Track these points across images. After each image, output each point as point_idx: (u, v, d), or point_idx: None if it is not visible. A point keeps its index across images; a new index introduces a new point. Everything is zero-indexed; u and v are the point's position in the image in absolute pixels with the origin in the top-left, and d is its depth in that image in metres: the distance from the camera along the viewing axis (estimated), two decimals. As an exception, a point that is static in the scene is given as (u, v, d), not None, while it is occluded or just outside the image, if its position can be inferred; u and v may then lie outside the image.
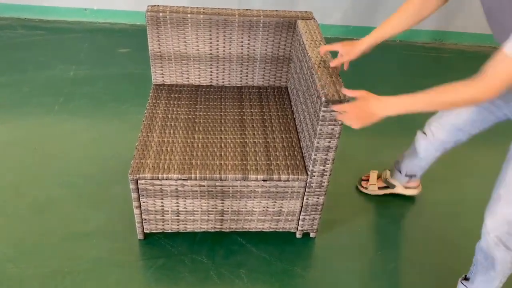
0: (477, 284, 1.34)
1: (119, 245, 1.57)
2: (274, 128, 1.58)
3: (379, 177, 1.84)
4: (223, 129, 1.57)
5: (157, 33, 1.74)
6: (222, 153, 1.46)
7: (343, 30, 3.04)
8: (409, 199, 1.84)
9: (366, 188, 1.83)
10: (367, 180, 1.84)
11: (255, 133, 1.55)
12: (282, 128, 1.58)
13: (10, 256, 1.50)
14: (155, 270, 1.49)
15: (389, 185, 1.80)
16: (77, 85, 2.39)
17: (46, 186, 1.78)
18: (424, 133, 1.58)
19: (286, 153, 1.47)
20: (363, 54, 1.36)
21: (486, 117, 1.35)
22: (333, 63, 1.38)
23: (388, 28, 1.32)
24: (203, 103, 1.72)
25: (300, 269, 1.53)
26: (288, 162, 1.44)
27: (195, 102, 1.72)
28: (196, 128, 1.57)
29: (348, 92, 1.24)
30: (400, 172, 1.74)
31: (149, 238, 1.60)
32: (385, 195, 1.83)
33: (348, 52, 1.36)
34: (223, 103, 1.72)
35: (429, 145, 1.57)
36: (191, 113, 1.65)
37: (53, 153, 1.94)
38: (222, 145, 1.49)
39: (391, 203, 1.82)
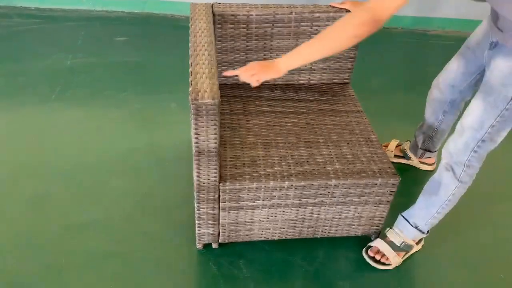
0: (415, 211, 1.46)
1: (118, 237, 1.55)
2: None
3: (398, 146, 1.91)
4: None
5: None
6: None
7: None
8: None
9: None
10: (386, 147, 1.91)
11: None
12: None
13: (6, 250, 1.48)
14: (152, 261, 1.47)
15: (405, 156, 1.87)
16: (74, 74, 2.35)
17: (42, 178, 1.75)
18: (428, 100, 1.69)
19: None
20: None
21: (469, 67, 1.45)
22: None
23: None
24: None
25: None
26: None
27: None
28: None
29: (229, 73, 1.26)
30: (417, 145, 1.82)
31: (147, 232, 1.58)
32: (400, 167, 1.86)
33: None
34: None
35: (429, 108, 1.69)
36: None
37: (50, 143, 1.91)
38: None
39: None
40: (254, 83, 1.19)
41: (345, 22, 1.09)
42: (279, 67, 1.18)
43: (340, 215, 1.46)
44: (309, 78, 1.76)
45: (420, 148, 1.82)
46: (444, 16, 3.04)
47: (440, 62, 2.81)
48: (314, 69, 1.74)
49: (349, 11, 1.58)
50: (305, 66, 1.72)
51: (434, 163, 1.89)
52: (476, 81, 1.48)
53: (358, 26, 1.07)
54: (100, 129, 2.01)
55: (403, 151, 1.89)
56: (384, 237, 1.53)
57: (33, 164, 1.81)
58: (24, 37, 2.64)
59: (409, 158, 1.88)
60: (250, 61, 1.51)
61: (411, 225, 1.47)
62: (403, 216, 1.51)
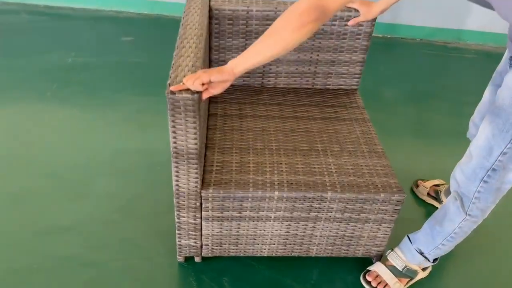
0: (419, 236, 1.32)
1: (96, 243, 1.43)
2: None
3: (436, 186, 1.69)
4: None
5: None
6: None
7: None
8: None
9: (417, 186, 1.71)
10: (423, 182, 1.72)
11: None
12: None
13: (-23, 249, 1.39)
14: (129, 272, 1.35)
15: (437, 198, 1.66)
16: (73, 72, 2.28)
17: (25, 176, 1.66)
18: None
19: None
20: (379, 14, 1.43)
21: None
22: (351, 23, 1.46)
23: None
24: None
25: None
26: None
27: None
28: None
29: (176, 88, 1.00)
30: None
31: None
32: (430, 210, 1.64)
33: (366, 12, 1.42)
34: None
35: None
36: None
37: (38, 141, 1.83)
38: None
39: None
40: (198, 87, 0.98)
41: (288, 12, 0.96)
42: (225, 68, 1.01)
43: (337, 233, 1.31)
44: (313, 83, 1.64)
45: None
46: (465, 28, 2.88)
47: (459, 75, 2.66)
48: (318, 73, 1.61)
49: (357, 11, 1.46)
50: (308, 69, 1.59)
51: None
52: None
53: (302, 14, 0.94)
54: (92, 128, 1.91)
55: (436, 192, 1.67)
56: (385, 260, 1.37)
57: (19, 159, 1.72)
58: (28, 34, 2.60)
59: (441, 202, 1.65)
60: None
61: (416, 250, 1.32)
62: (409, 238, 1.35)
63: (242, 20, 1.48)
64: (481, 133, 1.09)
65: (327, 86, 1.65)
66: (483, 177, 1.11)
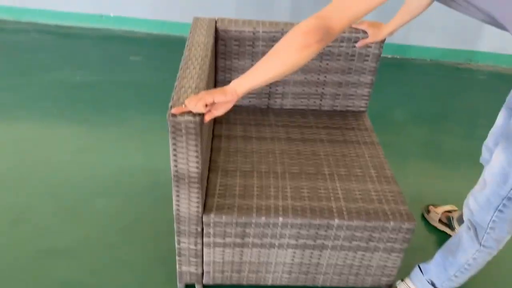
0: (430, 266, 1.26)
1: (94, 266, 1.39)
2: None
3: (448, 212, 1.62)
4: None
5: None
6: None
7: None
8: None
9: (429, 212, 1.64)
10: (435, 208, 1.65)
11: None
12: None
13: (-27, 271, 1.35)
14: (129, 299, 1.30)
15: (449, 225, 1.59)
16: (80, 90, 2.28)
17: (26, 194, 1.63)
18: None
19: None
20: (388, 36, 1.41)
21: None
22: (359, 44, 1.43)
23: (407, 13, 1.33)
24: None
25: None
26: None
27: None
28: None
29: (178, 110, 0.97)
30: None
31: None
32: (442, 237, 1.58)
33: (375, 34, 1.40)
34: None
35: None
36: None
37: (41, 159, 1.81)
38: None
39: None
40: (201, 108, 0.95)
41: (292, 32, 0.92)
42: (228, 88, 0.98)
43: (344, 261, 1.25)
44: (320, 104, 1.60)
45: None
46: (476, 49, 2.84)
47: (471, 97, 2.61)
48: (325, 94, 1.58)
49: (365, 32, 1.43)
50: (315, 90, 1.56)
51: None
52: None
53: (306, 34, 0.90)
54: (96, 147, 1.89)
55: (449, 218, 1.60)
56: None
57: (21, 177, 1.70)
58: (38, 52, 2.62)
59: (453, 229, 1.58)
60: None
61: (427, 281, 1.25)
62: (420, 268, 1.29)
63: (248, 41, 1.46)
64: (496, 159, 1.04)
65: (335, 108, 1.61)
66: (498, 206, 1.05)
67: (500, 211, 1.05)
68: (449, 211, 1.62)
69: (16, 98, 2.18)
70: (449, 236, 1.60)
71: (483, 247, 1.13)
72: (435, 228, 1.64)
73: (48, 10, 2.90)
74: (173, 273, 1.31)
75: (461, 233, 1.18)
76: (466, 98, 2.54)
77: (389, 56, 2.84)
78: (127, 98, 2.24)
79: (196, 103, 0.94)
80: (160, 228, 1.52)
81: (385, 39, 1.45)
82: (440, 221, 1.62)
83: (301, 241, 1.19)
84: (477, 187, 1.12)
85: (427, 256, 1.31)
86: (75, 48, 2.71)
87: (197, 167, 1.02)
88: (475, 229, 1.12)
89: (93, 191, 1.66)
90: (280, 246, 1.20)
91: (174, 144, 0.99)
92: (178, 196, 1.08)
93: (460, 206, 1.62)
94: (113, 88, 2.32)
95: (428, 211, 1.66)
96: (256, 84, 0.97)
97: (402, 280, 1.32)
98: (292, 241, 1.19)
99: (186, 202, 1.09)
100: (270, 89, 1.56)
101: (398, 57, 2.86)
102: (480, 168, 1.16)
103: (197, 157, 1.01)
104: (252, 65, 1.48)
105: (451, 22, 2.72)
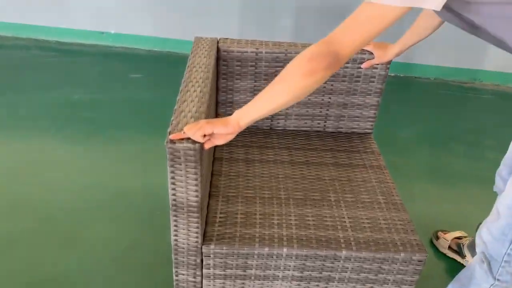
0: None
1: (87, 297, 1.32)
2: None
3: (458, 238, 1.56)
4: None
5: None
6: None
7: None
8: None
9: (438, 238, 1.59)
10: (444, 234, 1.59)
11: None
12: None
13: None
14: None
15: (459, 252, 1.53)
16: (79, 109, 2.24)
17: (20, 218, 1.57)
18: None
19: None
20: (394, 58, 1.38)
21: None
22: (365, 65, 1.39)
23: (415, 35, 1.32)
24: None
25: None
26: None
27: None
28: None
29: (176, 136, 0.92)
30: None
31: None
32: (456, 264, 1.53)
33: (381, 55, 1.37)
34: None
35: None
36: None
37: (37, 180, 1.75)
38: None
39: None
40: (199, 138, 0.90)
41: (298, 58, 0.87)
42: (230, 120, 0.93)
43: (351, 294, 1.18)
44: (325, 126, 1.55)
45: None
46: (481, 68, 2.81)
47: (476, 117, 2.56)
48: (330, 116, 1.53)
49: (371, 53, 1.39)
50: (320, 111, 1.51)
51: None
52: None
53: (312, 60, 0.85)
54: (93, 168, 1.84)
55: (459, 245, 1.54)
56: None
57: (16, 199, 1.65)
58: (37, 69, 2.59)
59: (463, 257, 1.53)
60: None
61: None
62: None
63: (251, 62, 1.42)
64: (510, 190, 0.99)
65: (340, 130, 1.56)
66: None
67: None
68: (459, 238, 1.56)
69: (15, 117, 2.13)
70: (459, 264, 1.53)
71: (498, 281, 1.07)
72: (444, 255, 1.57)
73: (48, 26, 2.88)
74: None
75: (474, 265, 1.12)
76: (473, 118, 2.49)
77: (392, 74, 2.81)
78: (126, 117, 2.20)
79: (195, 132, 0.89)
80: (157, 257, 1.46)
81: (391, 60, 1.41)
82: (449, 247, 1.56)
83: (306, 273, 1.13)
84: (490, 217, 1.06)
85: (437, 284, 1.24)
86: (75, 65, 2.68)
87: (196, 196, 0.97)
88: (489, 263, 1.07)
89: (89, 216, 1.60)
90: (284, 278, 1.14)
91: (172, 172, 0.94)
92: (176, 226, 1.02)
93: (469, 231, 1.56)
94: (112, 106, 2.28)
95: (437, 237, 1.59)
96: (260, 115, 0.92)
97: None
98: (297, 273, 1.13)
99: (185, 232, 1.03)
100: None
101: (401, 75, 2.82)
102: (489, 189, 1.11)
103: (196, 185, 0.95)
104: (254, 86, 1.47)
105: (455, 41, 2.70)
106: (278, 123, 1.54)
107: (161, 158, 1.91)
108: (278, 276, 1.13)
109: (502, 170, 1.30)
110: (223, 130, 0.92)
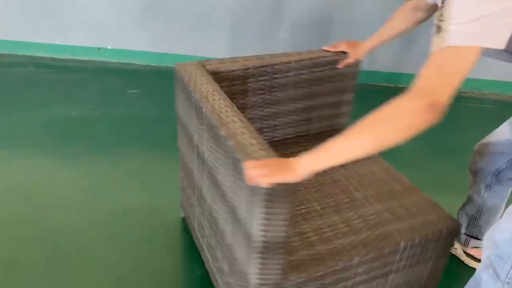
0: None
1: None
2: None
3: None
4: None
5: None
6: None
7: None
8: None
9: None
10: None
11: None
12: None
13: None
14: None
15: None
16: (78, 126, 2.20)
17: (18, 240, 1.52)
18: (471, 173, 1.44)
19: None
20: (368, 54, 1.40)
21: None
22: (341, 65, 1.42)
23: (387, 30, 1.35)
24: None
25: None
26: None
27: None
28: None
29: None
30: (460, 229, 1.48)
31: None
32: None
33: (355, 53, 1.40)
34: None
35: (471, 181, 1.41)
36: None
37: (36, 201, 1.71)
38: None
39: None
40: (264, 184, 0.85)
41: (397, 110, 0.80)
42: (299, 169, 0.85)
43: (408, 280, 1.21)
44: (309, 129, 1.57)
45: (465, 234, 1.49)
46: (480, 77, 2.81)
47: (477, 126, 2.53)
48: (312, 118, 1.55)
49: (345, 53, 1.42)
50: (303, 116, 1.52)
51: None
52: None
53: (415, 112, 0.77)
54: (94, 187, 1.80)
55: None
56: None
57: (14, 220, 1.60)
58: (34, 86, 2.56)
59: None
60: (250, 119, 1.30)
61: None
62: None
63: (238, 80, 1.37)
64: None
65: (322, 130, 1.59)
66: None
67: None
68: None
69: (12, 135, 2.09)
70: (452, 257, 1.53)
71: (507, 284, 1.04)
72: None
73: (45, 43, 2.86)
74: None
75: (479, 274, 1.10)
76: (472, 127, 2.47)
77: (391, 85, 2.80)
78: (125, 134, 2.16)
79: (259, 178, 0.83)
80: (160, 278, 1.41)
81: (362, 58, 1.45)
82: None
83: (371, 274, 1.13)
84: (504, 218, 1.05)
85: None
86: (72, 81, 2.65)
87: (285, 232, 0.92)
88: (496, 266, 1.04)
89: (90, 237, 1.55)
90: (354, 285, 1.12)
91: (267, 213, 0.87)
92: (262, 264, 0.95)
93: None
94: (111, 123, 2.25)
95: None
96: (330, 165, 0.84)
97: None
98: (365, 276, 1.12)
99: (272, 272, 0.97)
100: (260, 125, 1.48)
101: (401, 86, 2.82)
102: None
103: (286, 224, 0.90)
104: (243, 103, 1.42)
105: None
106: (266, 135, 1.52)
107: (160, 173, 1.89)
108: (349, 285, 1.11)
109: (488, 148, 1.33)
110: (292, 179, 0.84)
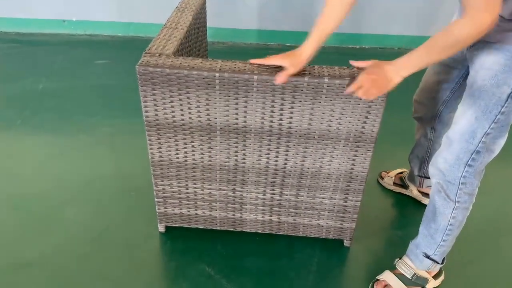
0: (419, 239, 1.28)
1: (62, 280, 1.32)
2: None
3: (400, 174, 1.71)
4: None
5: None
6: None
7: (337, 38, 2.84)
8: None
9: (382, 178, 1.73)
10: (387, 173, 1.73)
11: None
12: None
13: None
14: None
15: (403, 185, 1.68)
16: (45, 98, 2.20)
17: (-9, 209, 1.56)
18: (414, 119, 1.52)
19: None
20: (311, 59, 1.14)
21: (449, 71, 1.29)
22: (280, 80, 1.09)
23: (328, 23, 1.13)
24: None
25: None
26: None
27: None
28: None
29: (358, 64, 1.12)
30: (414, 172, 1.60)
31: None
32: (403, 197, 1.68)
33: (294, 63, 1.10)
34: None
35: (416, 127, 1.52)
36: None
37: (6, 171, 1.73)
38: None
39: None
40: (370, 97, 1.08)
41: (463, 26, 0.97)
42: (395, 77, 1.04)
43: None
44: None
45: (418, 176, 1.60)
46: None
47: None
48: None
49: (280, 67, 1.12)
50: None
51: None
52: (459, 87, 1.30)
53: (479, 27, 0.92)
54: (63, 155, 1.82)
55: (401, 179, 1.68)
56: (394, 269, 1.32)
57: (-16, 193, 1.62)
58: (-2, 61, 2.52)
59: (407, 187, 1.66)
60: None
61: (422, 254, 1.27)
62: (412, 244, 1.31)
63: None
64: (461, 118, 1.09)
65: None
66: (468, 161, 1.10)
67: (470, 165, 1.11)
68: (400, 173, 1.71)
69: (-23, 110, 2.09)
70: (405, 195, 1.68)
71: (458, 203, 1.16)
72: (391, 191, 1.70)
73: (8, 17, 2.79)
74: (151, 281, 1.27)
75: (433, 198, 1.21)
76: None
77: (357, 46, 2.85)
78: (93, 104, 2.17)
79: (365, 94, 1.06)
80: (133, 236, 1.47)
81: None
82: (394, 183, 1.70)
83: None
84: (443, 147, 1.15)
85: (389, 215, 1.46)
86: (37, 55, 2.62)
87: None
88: (446, 189, 1.16)
89: (62, 200, 1.60)
90: None
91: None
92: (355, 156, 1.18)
93: (407, 167, 1.69)
94: (78, 93, 2.25)
95: (382, 177, 1.74)
96: (414, 71, 1.04)
97: (400, 258, 1.34)
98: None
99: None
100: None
101: (367, 47, 2.87)
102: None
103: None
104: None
105: (415, 9, 2.75)
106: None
107: (130, 140, 1.92)
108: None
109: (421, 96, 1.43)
110: (391, 88, 1.05)
